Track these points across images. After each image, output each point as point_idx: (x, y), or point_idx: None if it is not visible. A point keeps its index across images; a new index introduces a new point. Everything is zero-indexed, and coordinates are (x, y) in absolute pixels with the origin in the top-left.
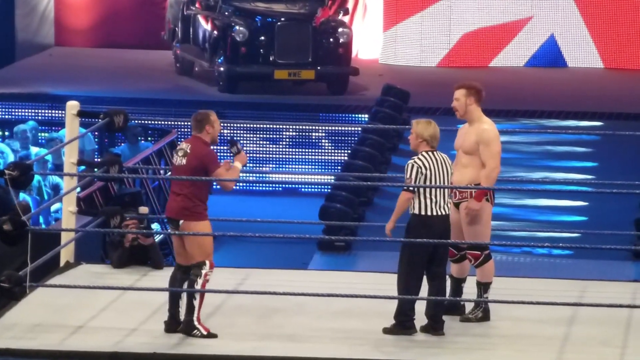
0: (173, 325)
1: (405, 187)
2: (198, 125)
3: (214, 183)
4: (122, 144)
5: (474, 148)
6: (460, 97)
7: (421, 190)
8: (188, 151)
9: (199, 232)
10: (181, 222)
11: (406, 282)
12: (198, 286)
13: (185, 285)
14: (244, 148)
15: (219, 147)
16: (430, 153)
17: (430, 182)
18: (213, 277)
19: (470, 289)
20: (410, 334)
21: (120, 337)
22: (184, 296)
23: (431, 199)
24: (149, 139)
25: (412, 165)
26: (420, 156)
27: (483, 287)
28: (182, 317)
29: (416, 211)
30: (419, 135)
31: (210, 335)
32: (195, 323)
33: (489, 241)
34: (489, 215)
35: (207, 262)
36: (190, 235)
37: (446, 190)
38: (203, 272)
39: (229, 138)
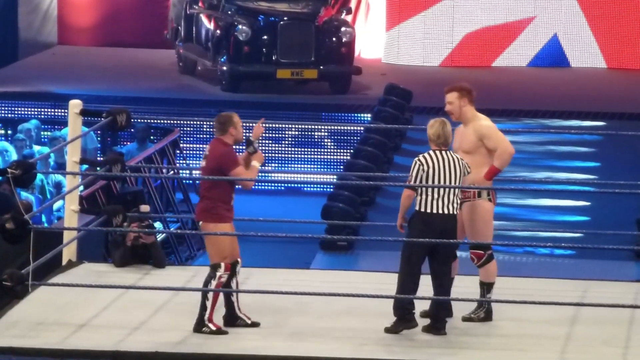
0: (228, 320)
1: (406, 185)
2: (221, 128)
3: (237, 184)
4: (129, 143)
5: (476, 145)
6: (453, 100)
7: (424, 187)
8: (207, 153)
9: (210, 232)
10: (200, 223)
11: (403, 278)
12: (212, 287)
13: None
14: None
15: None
16: (437, 152)
17: (432, 180)
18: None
19: (472, 289)
20: (412, 327)
21: (122, 335)
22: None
23: (433, 197)
24: (152, 137)
25: (415, 163)
26: (425, 154)
27: (486, 287)
28: (237, 311)
29: (417, 207)
30: (428, 135)
31: (220, 332)
32: (206, 321)
33: (491, 241)
34: (491, 215)
35: (222, 265)
36: (211, 235)
37: (453, 190)
38: (217, 274)
39: (245, 138)
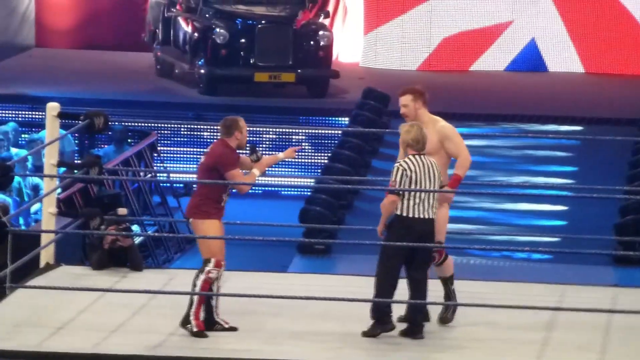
0: (206, 324)
1: (389, 190)
2: (227, 131)
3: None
4: (106, 146)
5: (437, 147)
6: (408, 103)
7: (405, 192)
8: (208, 150)
9: (200, 230)
10: (190, 220)
11: (380, 281)
12: (199, 282)
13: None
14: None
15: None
16: (417, 157)
17: (416, 185)
18: (190, 278)
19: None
20: (389, 330)
21: (100, 338)
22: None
23: (415, 202)
24: (129, 140)
25: (398, 168)
26: (406, 159)
27: (449, 280)
28: (215, 316)
29: (399, 212)
30: (403, 141)
31: (200, 334)
32: (191, 317)
33: (444, 238)
34: (447, 217)
35: (212, 260)
36: (200, 232)
37: (431, 194)
38: (206, 269)
39: (249, 145)
